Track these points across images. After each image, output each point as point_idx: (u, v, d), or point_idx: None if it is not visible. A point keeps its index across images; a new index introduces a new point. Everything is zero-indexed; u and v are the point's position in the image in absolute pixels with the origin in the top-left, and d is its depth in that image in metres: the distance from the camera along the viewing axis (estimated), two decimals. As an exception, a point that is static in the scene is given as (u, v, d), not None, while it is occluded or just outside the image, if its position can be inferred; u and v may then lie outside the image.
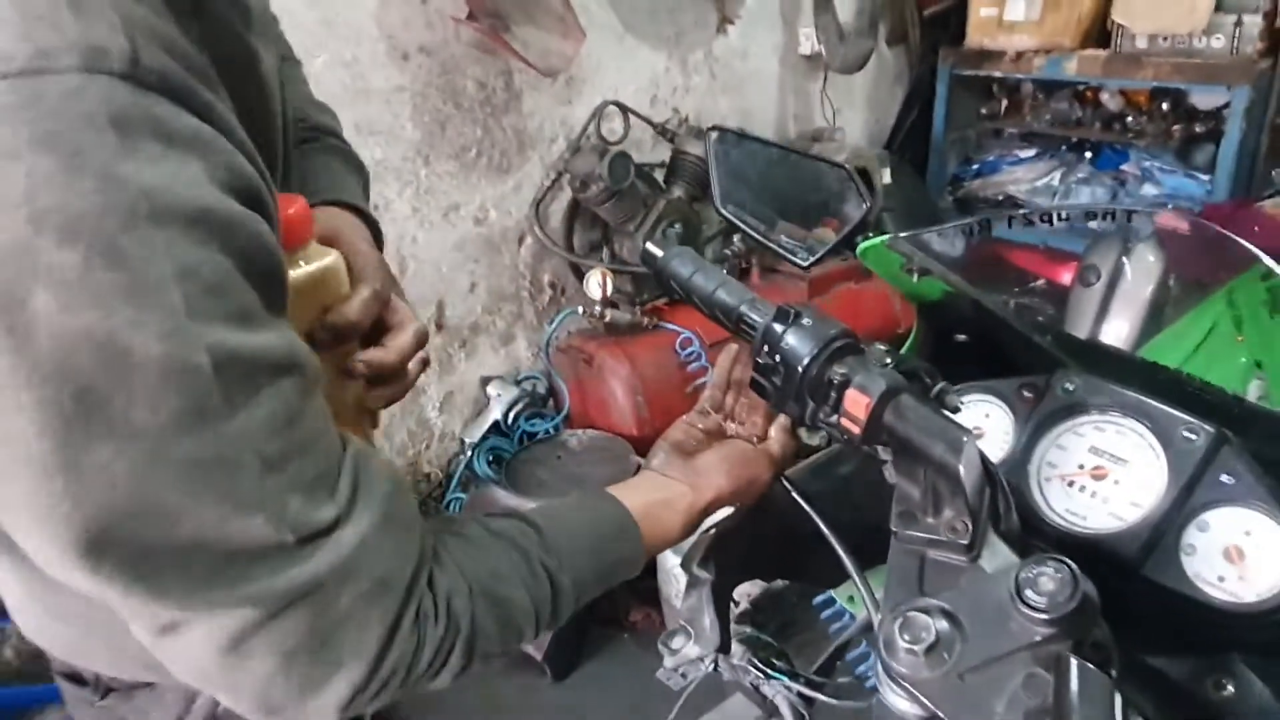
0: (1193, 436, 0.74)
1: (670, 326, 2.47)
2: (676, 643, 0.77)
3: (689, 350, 2.44)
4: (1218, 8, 2.75)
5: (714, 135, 1.06)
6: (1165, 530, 0.73)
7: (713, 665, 0.77)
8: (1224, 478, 0.73)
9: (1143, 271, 1.48)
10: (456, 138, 2.38)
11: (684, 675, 0.84)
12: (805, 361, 0.72)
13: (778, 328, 0.74)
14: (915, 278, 0.83)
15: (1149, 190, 3.13)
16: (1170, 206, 3.00)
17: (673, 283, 0.86)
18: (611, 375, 2.38)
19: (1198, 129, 3.07)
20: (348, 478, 0.54)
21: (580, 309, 2.51)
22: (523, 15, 2.31)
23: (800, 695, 0.79)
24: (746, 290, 0.80)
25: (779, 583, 0.92)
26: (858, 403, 0.67)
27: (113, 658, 0.77)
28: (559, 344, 2.56)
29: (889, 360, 0.70)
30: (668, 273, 0.86)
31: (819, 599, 0.95)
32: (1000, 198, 3.48)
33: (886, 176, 3.04)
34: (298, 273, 0.59)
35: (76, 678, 0.81)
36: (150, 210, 0.43)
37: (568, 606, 0.68)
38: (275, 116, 0.64)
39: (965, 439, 0.63)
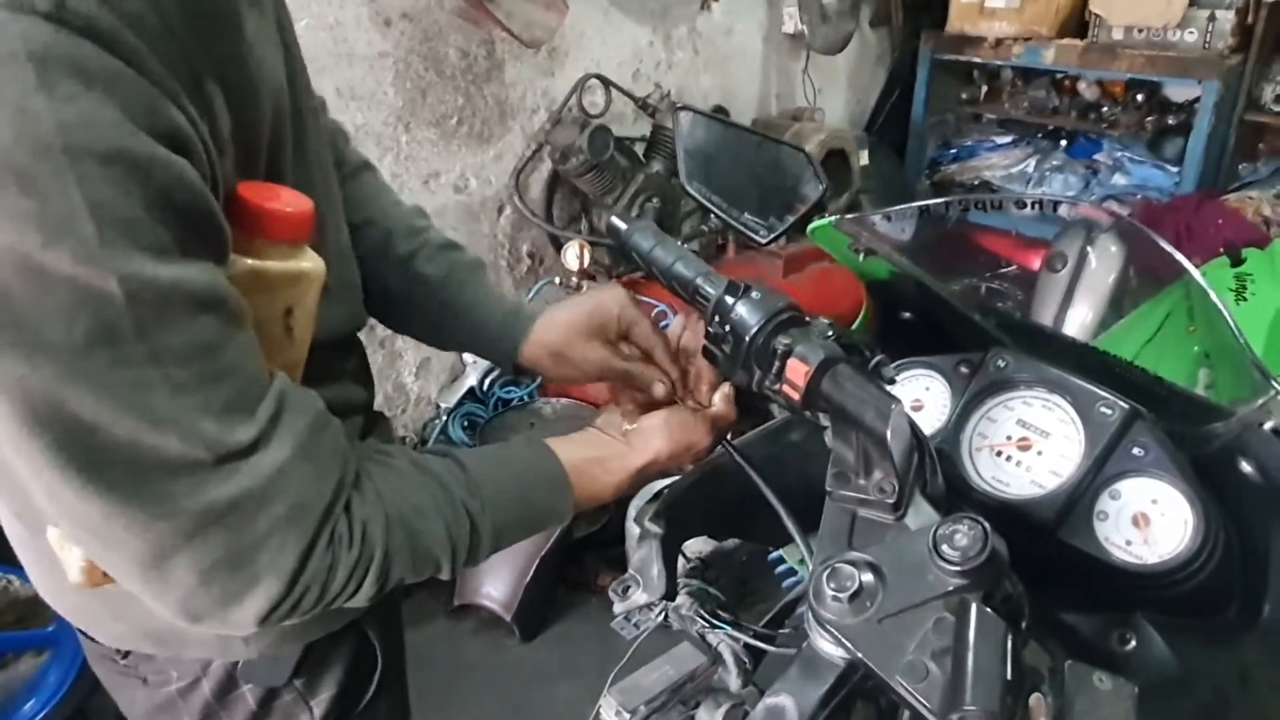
0: (1108, 411, 0.79)
1: (646, 299, 2.51)
2: (626, 591, 0.82)
3: (664, 323, 2.47)
4: (1192, 3, 2.81)
5: (682, 115, 1.10)
6: (1080, 497, 0.79)
7: (662, 616, 0.82)
8: (1135, 450, 0.78)
9: (1105, 260, 1.54)
10: (438, 105, 2.40)
11: (636, 625, 0.89)
12: (753, 331, 0.76)
13: (729, 299, 0.79)
14: (861, 257, 0.88)
15: (1119, 180, 3.20)
16: (1139, 197, 3.07)
17: (634, 255, 0.90)
18: (586, 345, 2.43)
19: (1170, 121, 3.14)
20: (269, 406, 0.58)
21: (557, 280, 2.55)
22: (507, -15, 2.33)
23: (746, 646, 0.85)
24: (702, 264, 0.85)
25: (731, 541, 0.97)
26: (798, 371, 0.72)
27: (115, 628, 0.81)
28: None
29: (830, 333, 0.75)
30: (630, 245, 0.90)
31: (773, 556, 1.01)
32: (975, 182, 3.54)
33: (865, 158, 3.08)
34: (285, 264, 0.62)
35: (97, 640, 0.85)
36: (65, 145, 0.46)
37: (487, 546, 0.73)
38: (261, 79, 0.65)
39: (893, 407, 0.69)
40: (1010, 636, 0.57)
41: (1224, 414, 0.79)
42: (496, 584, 2.21)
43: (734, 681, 0.84)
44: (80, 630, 0.85)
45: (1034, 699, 0.55)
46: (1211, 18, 2.79)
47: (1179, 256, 0.78)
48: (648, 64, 2.93)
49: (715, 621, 0.85)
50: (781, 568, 0.94)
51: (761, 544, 0.93)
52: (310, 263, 0.64)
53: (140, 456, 0.52)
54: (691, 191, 1.07)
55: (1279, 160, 3.05)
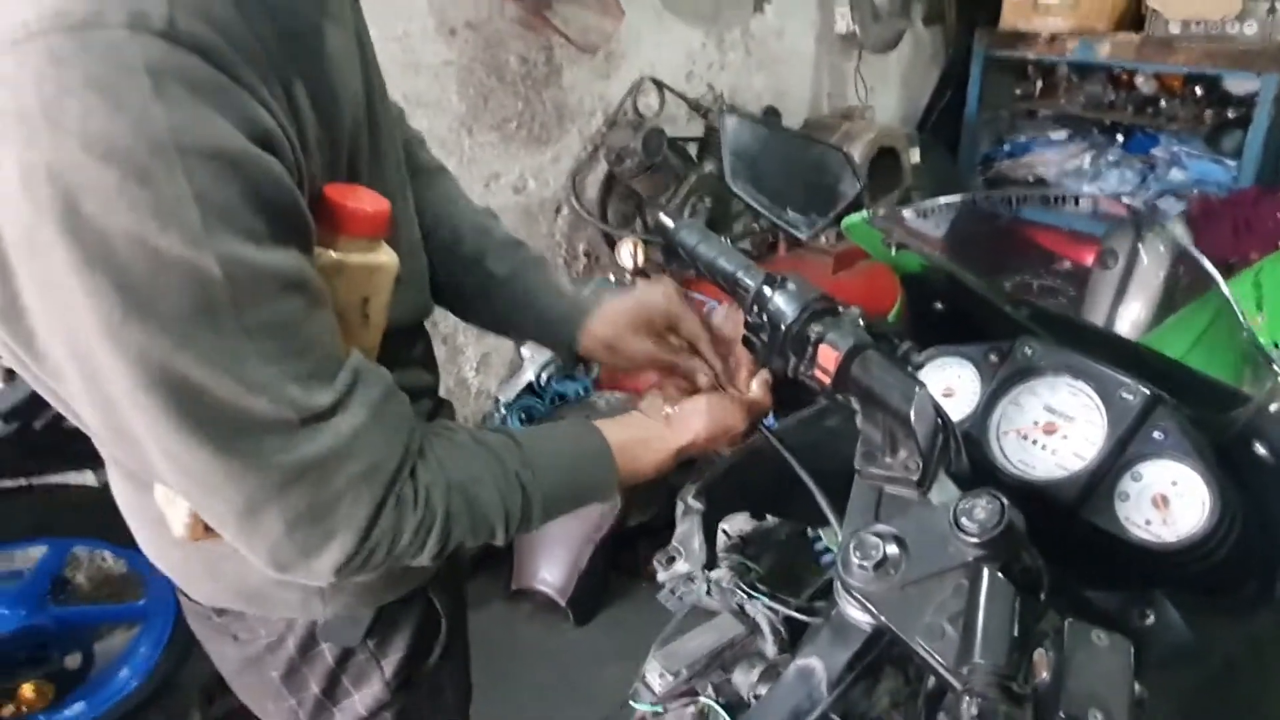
0: (1130, 397, 0.83)
1: (697, 295, 2.57)
2: (670, 562, 0.88)
3: (714, 316, 2.54)
4: (1253, -6, 2.77)
5: (728, 118, 1.16)
6: (1103, 478, 0.83)
7: (705, 587, 0.88)
8: (1156, 434, 0.82)
9: (1155, 257, 1.56)
10: (499, 110, 2.49)
11: (680, 597, 0.96)
12: (789, 320, 0.82)
13: (767, 291, 0.85)
14: (893, 250, 0.93)
15: (1176, 175, 3.16)
16: (1196, 192, 3.03)
17: (681, 250, 0.97)
18: (639, 341, 2.50)
19: (1230, 115, 3.10)
20: (346, 377, 0.66)
21: (612, 277, 2.62)
22: (564, -7, 2.41)
23: (786, 619, 0.90)
24: (743, 258, 0.91)
25: (771, 521, 1.02)
26: (829, 356, 0.78)
27: (211, 586, 0.90)
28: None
29: (860, 322, 0.81)
30: (676, 241, 0.97)
31: (812, 535, 1.06)
32: (1030, 179, 3.52)
33: (915, 156, 3.10)
34: (364, 257, 0.70)
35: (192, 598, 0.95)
36: (175, 144, 0.54)
37: (538, 515, 0.80)
38: (342, 88, 0.72)
39: (917, 390, 0.74)
40: (1018, 599, 0.62)
41: (1242, 399, 0.82)
42: (552, 570, 2.29)
43: (770, 649, 0.90)
44: (180, 591, 0.95)
45: (1037, 653, 0.60)
46: (1271, 9, 2.74)
47: (1203, 260, 0.81)
48: (700, 66, 2.98)
49: (753, 593, 0.91)
50: (820, 544, 1.00)
51: (800, 523, 0.99)
52: (386, 257, 0.72)
53: (238, 416, 0.60)
54: (737, 190, 1.13)
55: (1344, 154, 2.99)
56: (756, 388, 0.93)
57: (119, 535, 1.83)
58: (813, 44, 3.28)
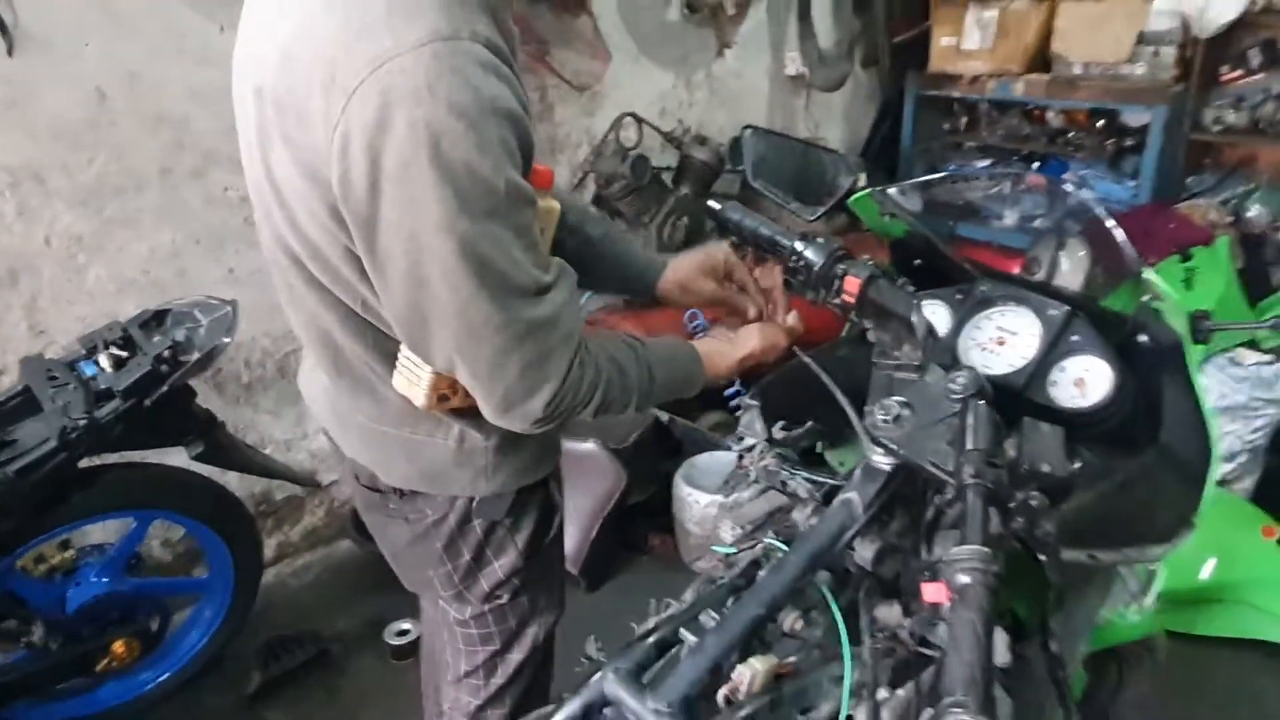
0: (1055, 313, 1.19)
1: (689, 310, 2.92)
2: (741, 440, 1.21)
3: (695, 323, 2.88)
4: (1139, 40, 3.26)
5: (747, 132, 1.52)
6: (1040, 371, 1.19)
7: (763, 454, 1.20)
8: (1074, 338, 1.18)
9: (1075, 263, 1.94)
10: (503, 141, 2.81)
11: (748, 468, 1.27)
12: (819, 265, 1.17)
13: (799, 245, 1.19)
14: (887, 219, 1.28)
15: (1084, 194, 3.63)
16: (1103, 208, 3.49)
17: (729, 224, 1.31)
18: (632, 342, 2.83)
19: (1127, 142, 3.58)
20: (555, 268, 0.98)
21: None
22: (561, 40, 2.77)
23: (818, 487, 1.23)
24: (778, 226, 1.26)
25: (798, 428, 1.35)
26: (853, 284, 1.13)
27: (406, 469, 1.19)
28: (586, 317, 3.00)
29: (871, 263, 1.16)
30: (724, 218, 1.31)
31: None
32: (960, 202, 3.97)
33: (863, 180, 3.51)
34: (546, 201, 1.02)
35: (375, 489, 1.24)
36: (492, 107, 0.85)
37: (657, 394, 1.13)
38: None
39: (914, 301, 1.09)
40: (995, 416, 0.96)
41: (1124, 316, 1.19)
42: (566, 542, 2.57)
43: (808, 512, 1.23)
44: (366, 486, 1.24)
45: (1007, 442, 0.94)
46: (1156, 53, 3.24)
47: (1122, 240, 1.17)
48: (671, 103, 3.36)
49: (794, 470, 1.24)
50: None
51: (824, 427, 1.31)
52: (556, 203, 1.06)
53: (507, 279, 0.91)
54: (757, 185, 1.48)
55: (1222, 173, 3.49)
56: (792, 319, 1.28)
57: (196, 509, 2.11)
58: (767, 84, 3.70)
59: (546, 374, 0.97)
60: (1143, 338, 1.15)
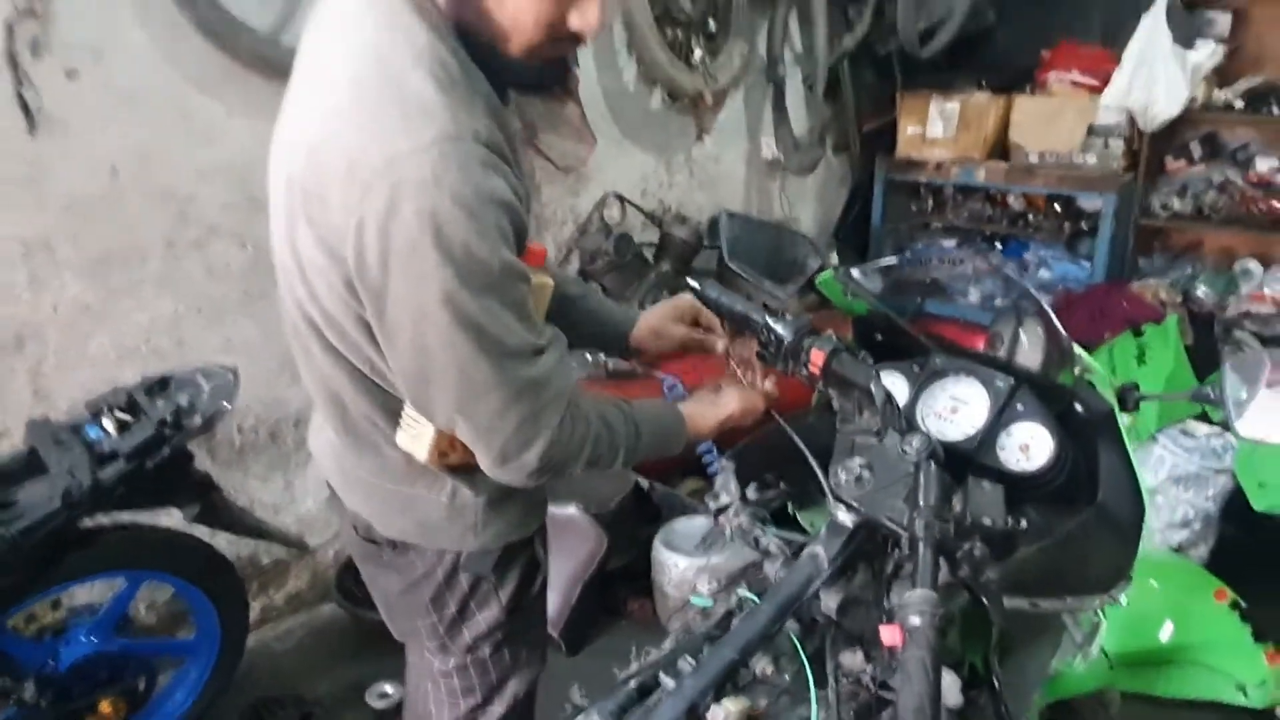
0: (1001, 384, 1.31)
1: (658, 374, 3.03)
2: (717, 498, 1.31)
3: (674, 392, 3.00)
4: (1090, 133, 3.49)
5: (723, 215, 1.65)
6: (988, 438, 1.30)
7: (737, 515, 1.30)
8: (1019, 406, 1.30)
9: (1033, 338, 2.07)
10: (492, 218, 2.95)
11: (722, 526, 1.36)
12: (789, 338, 1.29)
13: (772, 321, 1.31)
14: (850, 298, 1.41)
15: (1044, 274, 3.83)
16: (1060, 288, 3.69)
17: (707, 301, 1.43)
18: (614, 411, 2.94)
19: (1083, 226, 3.80)
20: (548, 332, 1.09)
21: (588, 356, 3.06)
22: (548, 125, 2.94)
23: (788, 544, 1.33)
24: (753, 304, 1.38)
25: (770, 491, 1.46)
26: (818, 356, 1.24)
27: (400, 522, 1.28)
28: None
29: (834, 338, 1.28)
30: (704, 296, 1.43)
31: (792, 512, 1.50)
32: (927, 280, 4.15)
33: (834, 259, 3.68)
34: (539, 277, 1.14)
35: (372, 540, 1.32)
36: (490, 198, 0.97)
37: (643, 449, 1.23)
38: (526, 177, 1.18)
39: (873, 373, 1.20)
40: (945, 476, 1.07)
41: (1065, 388, 1.31)
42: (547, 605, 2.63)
43: (778, 565, 1.32)
44: (362, 537, 1.32)
45: (954, 498, 1.05)
46: (1105, 144, 3.47)
47: (1056, 322, 1.30)
48: (653, 184, 3.53)
49: (765, 528, 1.34)
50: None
51: (794, 489, 1.42)
52: (549, 279, 1.17)
53: (503, 345, 1.01)
54: (733, 266, 1.61)
55: (1170, 255, 3.70)
56: (769, 385, 1.39)
57: (187, 570, 2.16)
58: (744, 167, 3.89)
59: (540, 428, 1.07)
60: (1079, 407, 1.27)
